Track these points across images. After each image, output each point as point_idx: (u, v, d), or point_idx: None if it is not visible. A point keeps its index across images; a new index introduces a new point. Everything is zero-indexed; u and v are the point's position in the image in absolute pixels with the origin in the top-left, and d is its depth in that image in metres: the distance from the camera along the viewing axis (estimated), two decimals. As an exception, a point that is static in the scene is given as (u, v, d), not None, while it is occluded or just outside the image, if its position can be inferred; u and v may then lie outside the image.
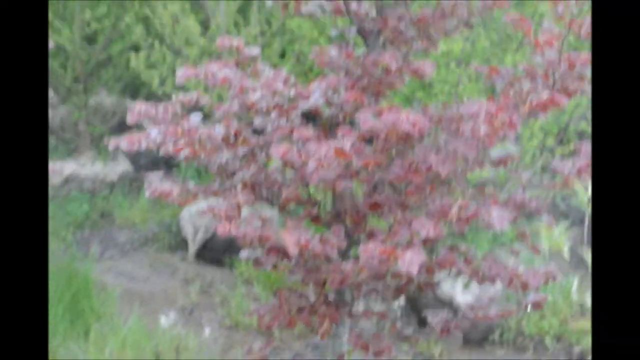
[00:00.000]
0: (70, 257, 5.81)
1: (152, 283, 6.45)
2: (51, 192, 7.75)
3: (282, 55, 8.10)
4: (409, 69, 3.36)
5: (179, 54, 8.03)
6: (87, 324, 5.08)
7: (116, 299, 5.48)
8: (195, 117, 3.25)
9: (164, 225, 7.32)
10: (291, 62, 7.92)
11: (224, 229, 3.00)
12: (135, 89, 9.07)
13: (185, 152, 3.17)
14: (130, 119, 3.21)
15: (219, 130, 3.27)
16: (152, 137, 3.13)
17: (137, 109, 3.22)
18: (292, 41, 7.99)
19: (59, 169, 8.19)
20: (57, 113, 9.02)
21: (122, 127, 8.41)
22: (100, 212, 7.81)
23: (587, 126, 6.88)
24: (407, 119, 2.77)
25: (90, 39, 8.48)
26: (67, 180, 8.15)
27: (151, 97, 8.10)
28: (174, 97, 3.42)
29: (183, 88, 5.36)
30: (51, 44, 7.61)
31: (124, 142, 3.14)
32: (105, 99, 9.09)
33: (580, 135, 6.97)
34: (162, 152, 3.16)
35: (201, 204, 4.18)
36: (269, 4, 6.75)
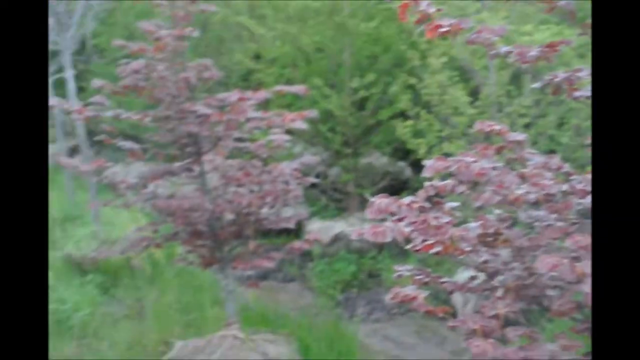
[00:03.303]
0: (336, 317, 5.66)
1: (418, 352, 5.95)
2: (320, 249, 7.75)
3: (560, 125, 7.64)
4: None
5: (446, 123, 7.80)
6: (348, 390, 4.56)
7: (380, 365, 4.81)
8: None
9: (432, 292, 6.89)
10: (569, 134, 7.48)
11: (478, 350, 2.70)
12: (404, 153, 8.93)
13: (436, 249, 2.79)
14: (370, 214, 2.84)
15: (474, 229, 2.90)
16: (398, 229, 2.78)
17: (377, 205, 2.81)
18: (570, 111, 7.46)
19: (329, 227, 8.22)
20: (329, 173, 9.34)
21: (391, 189, 8.16)
22: (367, 272, 7.49)
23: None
24: None
25: (359, 106, 8.61)
26: (336, 239, 8.09)
27: (418, 164, 7.67)
28: (425, 184, 3.07)
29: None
30: (319, 111, 7.72)
31: (369, 232, 2.79)
32: (375, 160, 9.23)
33: None
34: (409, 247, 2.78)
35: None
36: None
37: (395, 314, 6.65)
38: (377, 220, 2.84)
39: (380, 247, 7.95)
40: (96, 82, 5.26)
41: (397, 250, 7.80)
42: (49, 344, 5.77)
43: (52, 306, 6.28)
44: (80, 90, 9.43)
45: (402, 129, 8.08)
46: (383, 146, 9.01)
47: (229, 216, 5.37)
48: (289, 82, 8.35)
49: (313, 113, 5.29)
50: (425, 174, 2.95)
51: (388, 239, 2.74)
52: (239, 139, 5.72)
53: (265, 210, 5.41)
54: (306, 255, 8.11)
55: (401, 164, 9.59)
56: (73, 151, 12.80)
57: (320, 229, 8.18)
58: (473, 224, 2.90)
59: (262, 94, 5.21)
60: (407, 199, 2.85)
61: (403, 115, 8.51)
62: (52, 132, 15.76)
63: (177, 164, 5.49)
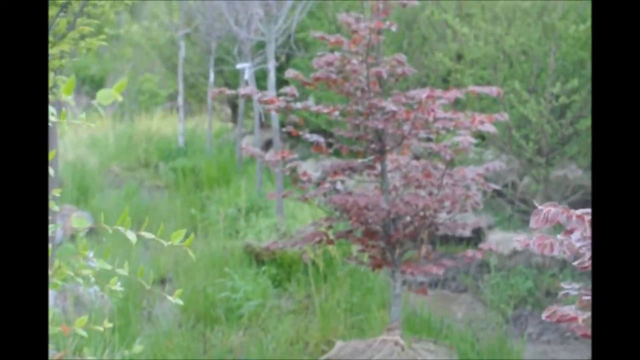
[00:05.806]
0: (503, 333, 5.50)
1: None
2: (498, 262, 7.48)
3: None
4: None
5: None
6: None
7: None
8: None
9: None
10: None
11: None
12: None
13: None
14: (534, 224, 2.55)
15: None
16: (568, 243, 2.47)
17: (544, 214, 2.52)
18: None
19: (510, 238, 7.83)
20: (519, 183, 9.09)
21: (583, 204, 7.78)
22: (545, 290, 7.17)
23: None
24: None
25: (559, 113, 8.22)
26: (516, 252, 7.74)
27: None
28: None
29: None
30: (515, 116, 7.65)
31: (535, 243, 2.53)
32: (569, 173, 8.88)
33: None
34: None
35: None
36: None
37: (569, 337, 6.17)
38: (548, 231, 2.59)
39: (563, 264, 7.44)
40: (290, 72, 5.24)
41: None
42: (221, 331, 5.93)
43: (224, 294, 6.44)
44: (285, 83, 9.60)
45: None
46: (579, 158, 8.45)
47: (405, 218, 5.19)
48: (488, 84, 8.01)
49: (504, 116, 4.98)
50: None
51: (555, 253, 2.46)
52: (427, 139, 5.52)
53: (442, 215, 5.18)
54: (483, 267, 7.76)
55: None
56: (269, 144, 13.08)
57: (501, 240, 7.79)
58: None
59: (453, 93, 4.98)
60: (579, 210, 2.54)
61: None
62: (250, 124, 16.35)
63: (359, 161, 5.38)
